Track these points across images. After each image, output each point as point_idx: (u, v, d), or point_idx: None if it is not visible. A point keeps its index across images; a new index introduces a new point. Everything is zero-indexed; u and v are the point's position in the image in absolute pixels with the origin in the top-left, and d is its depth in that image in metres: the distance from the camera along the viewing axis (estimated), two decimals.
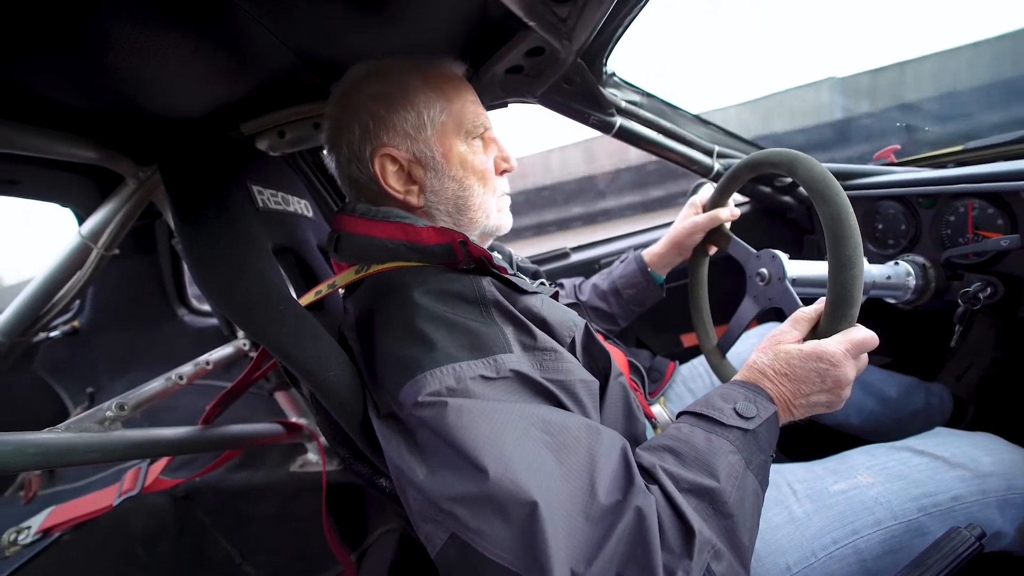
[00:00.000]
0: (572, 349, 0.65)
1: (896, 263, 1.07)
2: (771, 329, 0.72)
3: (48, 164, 0.89)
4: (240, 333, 1.41)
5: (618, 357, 0.94)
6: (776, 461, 0.68)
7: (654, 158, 1.30)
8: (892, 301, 1.09)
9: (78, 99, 0.74)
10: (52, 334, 1.67)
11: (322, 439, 1.52)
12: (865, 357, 0.67)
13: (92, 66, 0.65)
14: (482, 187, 0.77)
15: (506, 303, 0.62)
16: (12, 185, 1.03)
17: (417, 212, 0.76)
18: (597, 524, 0.46)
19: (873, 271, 1.03)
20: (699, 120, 1.34)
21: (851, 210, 0.65)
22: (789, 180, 1.39)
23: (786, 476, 0.80)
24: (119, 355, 1.78)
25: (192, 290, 1.83)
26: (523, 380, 0.56)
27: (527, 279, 0.77)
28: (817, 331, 0.69)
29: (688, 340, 1.65)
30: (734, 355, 0.99)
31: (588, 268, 1.60)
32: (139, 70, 0.68)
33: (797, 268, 0.87)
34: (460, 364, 0.54)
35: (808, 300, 0.76)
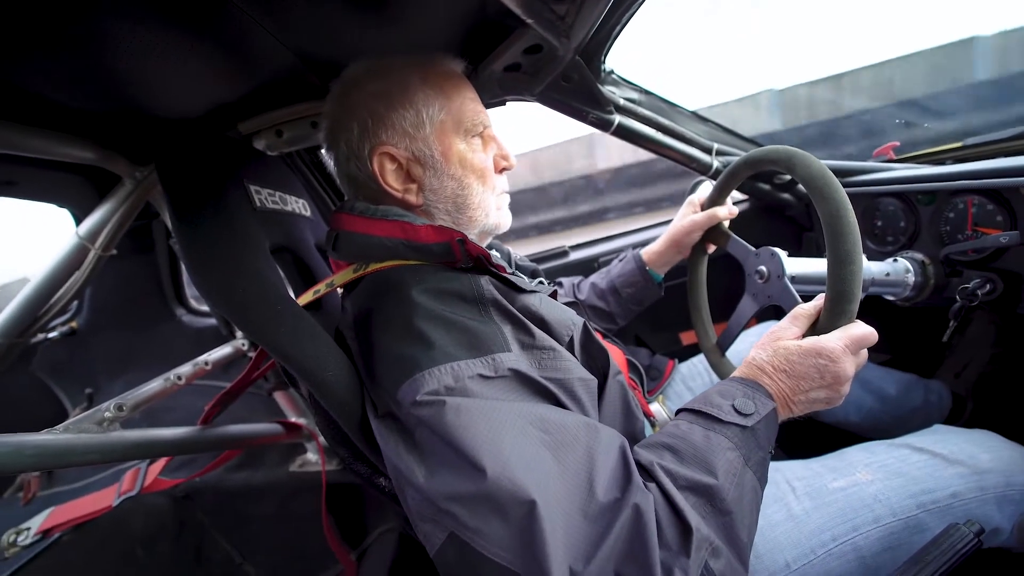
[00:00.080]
0: (570, 348, 0.65)
1: (895, 260, 1.07)
2: (770, 327, 0.72)
3: (45, 165, 0.89)
4: (239, 333, 1.41)
5: (617, 355, 0.94)
6: (775, 458, 0.68)
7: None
8: (891, 298, 1.09)
9: (75, 99, 0.74)
10: (50, 335, 1.67)
11: (321, 439, 1.52)
12: (865, 353, 0.67)
13: (90, 66, 0.65)
14: (481, 185, 0.77)
15: (504, 302, 0.62)
16: (9, 186, 1.03)
17: (416, 211, 0.76)
18: (595, 522, 0.46)
19: (872, 268, 1.03)
20: (698, 117, 1.33)
21: (850, 206, 0.65)
22: (788, 177, 1.39)
23: (785, 473, 0.80)
24: (117, 356, 1.78)
25: (190, 290, 1.82)
26: (521, 379, 0.56)
27: (525, 278, 0.77)
28: (816, 327, 0.69)
29: (687, 338, 1.65)
30: (733, 353, 0.99)
31: (587, 266, 1.60)
32: (137, 70, 0.68)
33: (796, 265, 0.87)
34: (458, 363, 0.54)
35: (807, 297, 0.76)
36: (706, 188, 1.11)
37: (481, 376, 0.54)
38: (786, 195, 1.42)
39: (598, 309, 1.17)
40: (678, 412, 0.63)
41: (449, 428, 0.49)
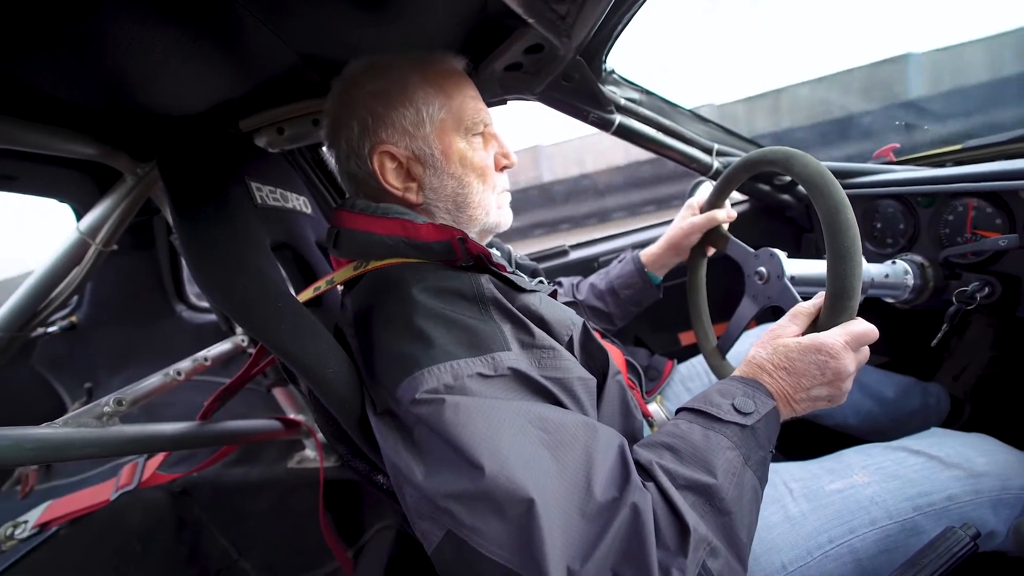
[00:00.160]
0: (570, 347, 0.65)
1: (894, 262, 1.07)
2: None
3: (47, 160, 0.89)
4: (238, 329, 1.41)
5: (615, 355, 0.94)
6: (772, 460, 0.68)
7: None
8: (890, 300, 1.09)
9: (78, 95, 0.74)
10: (50, 329, 1.67)
11: (320, 435, 1.52)
12: (866, 350, 0.66)
13: (92, 63, 0.65)
14: (481, 184, 0.77)
15: (504, 301, 0.62)
16: (10, 181, 1.03)
17: (416, 209, 0.76)
18: (593, 521, 0.46)
19: (871, 270, 1.03)
20: (698, 118, 1.33)
21: (848, 202, 0.65)
22: (788, 179, 1.39)
23: (782, 475, 0.80)
24: (117, 351, 1.78)
25: (190, 286, 1.83)
26: (521, 378, 0.56)
27: (526, 277, 0.77)
28: (817, 325, 0.68)
29: (686, 338, 1.66)
30: (734, 356, 0.99)
31: (587, 266, 1.60)
32: (139, 68, 0.68)
33: (796, 266, 0.87)
34: (458, 362, 0.54)
35: (807, 298, 0.76)
36: (705, 189, 1.11)
37: (480, 375, 0.54)
38: (786, 196, 1.42)
39: (596, 310, 1.17)
40: (678, 411, 0.63)
41: (448, 426, 0.49)
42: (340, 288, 0.78)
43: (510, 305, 0.62)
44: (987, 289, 0.96)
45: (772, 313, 0.82)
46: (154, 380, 1.05)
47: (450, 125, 0.74)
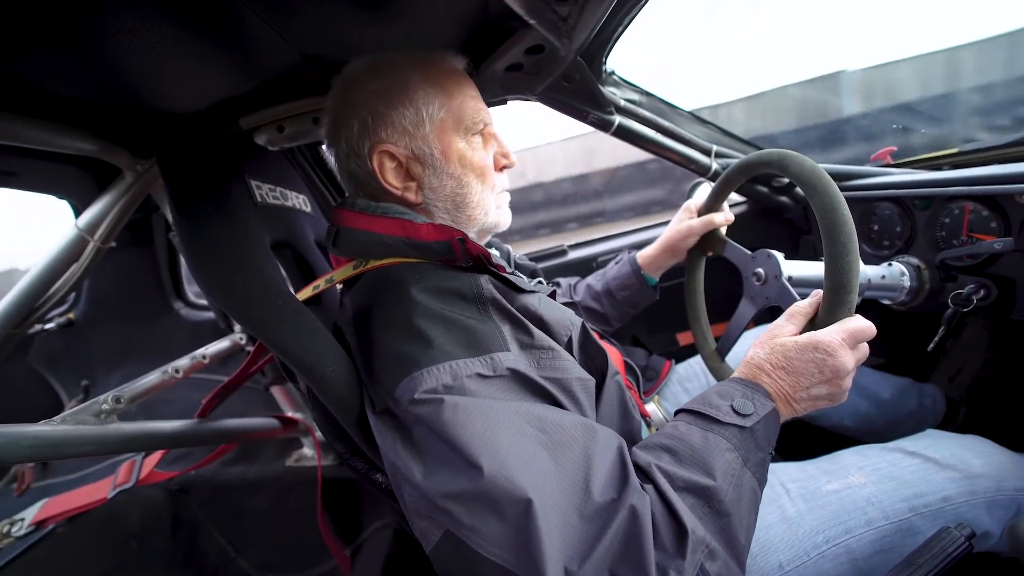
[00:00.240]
0: (569, 348, 0.65)
1: (891, 264, 1.08)
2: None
3: (45, 156, 0.89)
4: (237, 327, 1.41)
5: (613, 355, 0.94)
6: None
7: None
8: (887, 302, 1.10)
9: (78, 91, 0.74)
10: (47, 326, 1.67)
11: (318, 434, 1.52)
12: (865, 348, 0.66)
13: (93, 60, 0.65)
14: (481, 184, 0.77)
15: (504, 301, 0.62)
16: (9, 177, 1.02)
17: (416, 208, 0.76)
18: (591, 522, 0.46)
19: (868, 272, 1.04)
20: (697, 119, 1.34)
21: (843, 200, 0.65)
22: (786, 180, 1.39)
23: (779, 475, 0.81)
24: (115, 348, 1.78)
25: (189, 284, 1.82)
26: (520, 378, 0.56)
27: (525, 277, 0.77)
28: (815, 323, 0.68)
29: (684, 339, 1.66)
30: (733, 356, 0.99)
31: (585, 266, 1.60)
32: (140, 65, 0.68)
33: (793, 267, 0.87)
34: (457, 362, 0.54)
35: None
36: (703, 191, 1.11)
37: (479, 375, 0.54)
38: (783, 198, 1.43)
39: (593, 311, 1.17)
40: (677, 413, 0.63)
41: (447, 426, 0.49)
42: (339, 287, 0.78)
43: (509, 306, 0.62)
44: (983, 292, 0.96)
45: (771, 314, 0.83)
46: (152, 378, 1.05)
47: (450, 125, 0.74)
